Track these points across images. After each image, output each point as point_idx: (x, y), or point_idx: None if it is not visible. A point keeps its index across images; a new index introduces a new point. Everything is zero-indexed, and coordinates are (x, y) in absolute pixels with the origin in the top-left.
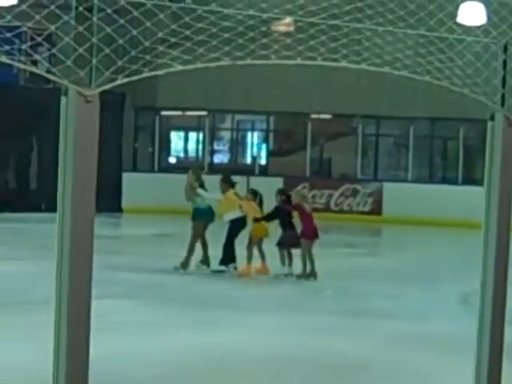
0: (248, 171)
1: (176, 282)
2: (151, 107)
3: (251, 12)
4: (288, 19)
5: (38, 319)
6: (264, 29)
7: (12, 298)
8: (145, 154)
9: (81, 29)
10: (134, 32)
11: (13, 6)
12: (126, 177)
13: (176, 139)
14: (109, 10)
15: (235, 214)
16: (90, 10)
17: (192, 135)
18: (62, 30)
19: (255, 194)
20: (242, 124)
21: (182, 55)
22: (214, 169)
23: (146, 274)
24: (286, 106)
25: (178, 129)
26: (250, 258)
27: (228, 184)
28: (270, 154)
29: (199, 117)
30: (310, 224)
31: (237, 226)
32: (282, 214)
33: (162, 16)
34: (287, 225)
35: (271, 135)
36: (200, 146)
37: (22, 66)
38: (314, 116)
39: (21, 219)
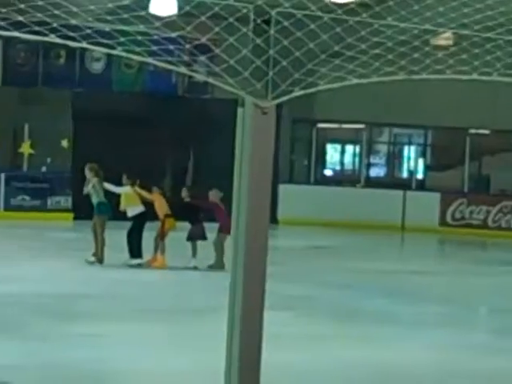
0: (404, 185)
1: (329, 295)
2: (308, 119)
3: (427, 26)
4: (448, 33)
5: (193, 328)
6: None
7: (166, 305)
8: (301, 166)
9: (259, 41)
10: (311, 45)
11: (188, 16)
12: (282, 188)
13: (332, 152)
14: (286, 23)
15: (139, 209)
16: (267, 22)
17: (348, 148)
18: (221, 39)
19: (163, 189)
20: (399, 137)
21: (356, 68)
22: (370, 182)
23: (300, 286)
24: (444, 120)
25: (335, 141)
26: (163, 249)
27: (132, 179)
28: (427, 168)
29: (356, 130)
30: (226, 219)
31: (141, 220)
32: (189, 209)
33: (338, 29)
34: (193, 220)
35: (428, 149)
36: (356, 159)
37: (197, 75)
38: (472, 131)
39: (178, 228)
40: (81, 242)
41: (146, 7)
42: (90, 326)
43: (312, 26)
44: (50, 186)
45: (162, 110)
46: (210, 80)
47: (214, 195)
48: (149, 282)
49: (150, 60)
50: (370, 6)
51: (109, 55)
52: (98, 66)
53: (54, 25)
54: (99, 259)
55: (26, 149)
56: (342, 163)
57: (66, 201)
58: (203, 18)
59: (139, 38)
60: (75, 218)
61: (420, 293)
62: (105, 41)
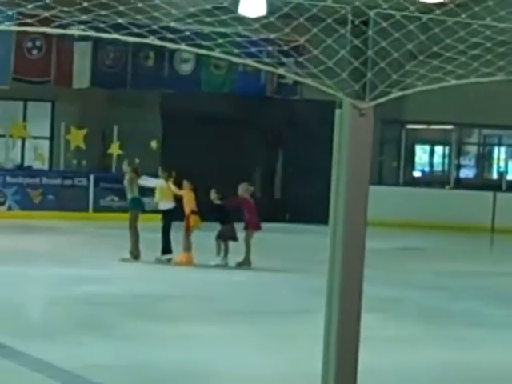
0: (495, 187)
1: (418, 297)
2: (397, 120)
3: None
4: None
5: (278, 329)
6: None
7: (256, 307)
8: (390, 167)
9: (357, 42)
10: (409, 46)
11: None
12: (371, 190)
13: (421, 153)
14: (384, 24)
15: (170, 204)
16: (365, 23)
17: (437, 149)
18: (313, 41)
19: (195, 185)
20: (488, 138)
21: (454, 69)
22: (460, 184)
23: (388, 288)
24: None
25: (424, 142)
26: (189, 246)
27: (169, 174)
28: None
29: (445, 130)
30: (252, 216)
31: (170, 216)
32: (219, 211)
33: (436, 30)
34: (224, 220)
35: None
36: (445, 161)
37: (295, 78)
38: None
39: (264, 229)
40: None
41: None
42: (180, 327)
43: (410, 27)
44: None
45: (250, 111)
46: (309, 82)
47: (244, 190)
48: (236, 283)
49: (248, 62)
50: (469, 7)
51: (198, 56)
52: (186, 68)
53: (154, 27)
54: (134, 256)
55: (114, 150)
56: (431, 164)
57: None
58: (301, 20)
59: (237, 39)
60: None
61: (510, 294)
62: (203, 42)
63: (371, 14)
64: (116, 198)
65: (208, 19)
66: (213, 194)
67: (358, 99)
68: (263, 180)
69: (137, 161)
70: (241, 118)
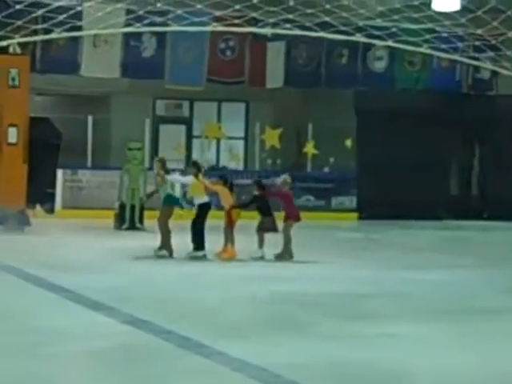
0: None
1: None
2: None
3: None
4: None
5: (484, 328)
6: None
7: (455, 305)
8: None
9: None
10: None
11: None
12: None
13: None
14: None
15: (204, 199)
16: None
17: None
18: None
19: (225, 180)
20: None
21: None
22: None
23: None
24: None
25: None
26: (233, 240)
27: (198, 169)
28: None
29: None
30: (293, 207)
31: (205, 211)
32: (259, 201)
33: None
34: (265, 211)
35: None
36: None
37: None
38: None
39: (461, 227)
40: (364, 242)
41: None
42: (379, 326)
43: None
44: (334, 186)
45: (446, 108)
46: None
47: (283, 182)
48: (431, 282)
49: (457, 57)
50: None
51: (391, 54)
52: (380, 65)
53: (360, 24)
54: (169, 252)
55: (309, 149)
56: None
57: (350, 201)
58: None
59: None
60: (359, 218)
61: None
62: (410, 39)
63: None
64: (312, 198)
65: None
66: (253, 186)
67: None
68: (459, 177)
69: (161, 156)
70: (436, 115)
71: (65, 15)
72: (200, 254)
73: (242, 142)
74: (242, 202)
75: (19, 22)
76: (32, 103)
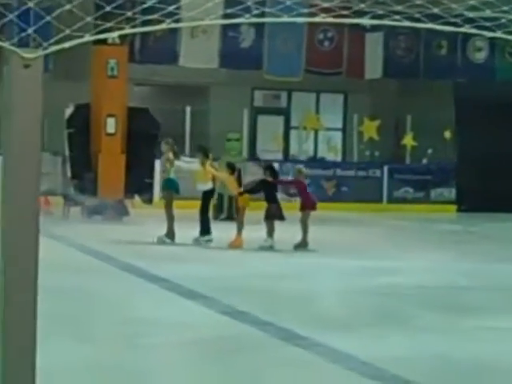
0: None
1: None
2: None
3: None
4: None
5: None
6: None
7: None
8: None
9: None
10: None
11: None
12: None
13: None
14: None
15: (208, 186)
16: None
17: None
18: None
19: (233, 168)
20: None
21: None
22: None
23: None
24: None
25: None
26: (240, 228)
27: (205, 155)
28: None
29: None
30: (308, 196)
31: (208, 197)
32: (267, 187)
33: None
34: (272, 198)
35: None
36: None
37: None
38: None
39: None
40: (463, 234)
41: None
42: (481, 319)
43: None
44: (433, 178)
45: None
46: None
47: (297, 171)
48: None
49: None
50: None
51: (491, 45)
52: (480, 56)
53: (470, 15)
54: (171, 237)
55: (408, 141)
56: None
57: (449, 192)
58: None
59: None
60: (458, 210)
61: None
62: None
63: None
64: (410, 190)
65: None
66: (266, 173)
67: None
68: None
69: (170, 141)
70: None
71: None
72: (205, 238)
73: (339, 134)
74: (249, 186)
75: (122, 16)
76: (130, 93)
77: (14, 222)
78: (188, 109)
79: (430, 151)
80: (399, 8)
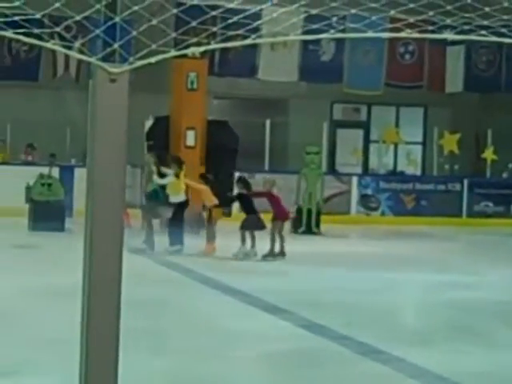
0: None
1: None
2: None
3: None
4: None
5: None
6: None
7: None
8: None
9: None
10: None
11: None
12: None
13: None
14: None
15: (181, 197)
16: None
17: None
18: None
19: (206, 179)
20: None
21: None
22: None
23: None
24: None
25: None
26: (211, 236)
27: (179, 166)
28: None
29: None
30: (280, 206)
31: (182, 209)
32: (242, 199)
33: None
34: (250, 209)
35: None
36: None
37: None
38: None
39: None
40: None
41: None
42: None
43: None
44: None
45: None
46: None
47: (268, 184)
48: None
49: None
50: None
51: None
52: None
53: None
54: (151, 247)
55: (488, 155)
56: None
57: None
58: None
59: None
60: None
61: None
62: None
63: None
64: (491, 204)
65: None
66: (239, 184)
67: None
68: None
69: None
70: None
71: (244, 19)
72: (172, 249)
73: (419, 147)
74: (225, 199)
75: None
76: (210, 107)
77: (100, 236)
78: (267, 122)
79: (510, 165)
80: (485, 22)
